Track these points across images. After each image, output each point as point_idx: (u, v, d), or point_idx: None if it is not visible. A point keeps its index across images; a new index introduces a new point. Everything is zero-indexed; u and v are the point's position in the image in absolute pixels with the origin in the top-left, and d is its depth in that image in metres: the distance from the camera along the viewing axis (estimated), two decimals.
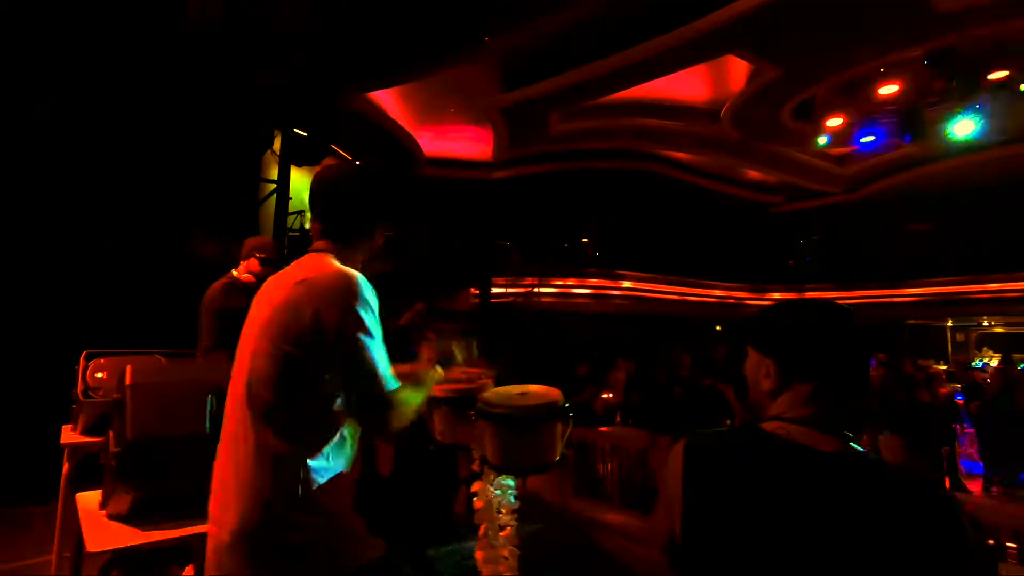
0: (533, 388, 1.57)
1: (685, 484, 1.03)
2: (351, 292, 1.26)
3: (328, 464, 1.26)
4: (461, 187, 11.39)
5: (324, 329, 1.22)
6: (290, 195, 7.54)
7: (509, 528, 1.64)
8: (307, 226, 7.79)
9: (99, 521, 1.77)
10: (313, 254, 1.38)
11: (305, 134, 7.84)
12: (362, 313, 1.25)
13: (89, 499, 1.93)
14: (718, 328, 14.49)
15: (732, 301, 14.47)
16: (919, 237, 13.83)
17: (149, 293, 4.73)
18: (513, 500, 1.66)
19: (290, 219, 7.72)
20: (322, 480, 1.24)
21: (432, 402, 1.60)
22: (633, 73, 7.69)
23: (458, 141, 10.61)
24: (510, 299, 10.96)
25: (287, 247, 7.25)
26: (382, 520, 2.24)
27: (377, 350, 1.25)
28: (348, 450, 1.33)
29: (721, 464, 1.01)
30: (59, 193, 4.58)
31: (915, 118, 8.57)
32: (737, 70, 8.68)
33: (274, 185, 7.37)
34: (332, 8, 6.19)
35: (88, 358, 3.08)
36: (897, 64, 7.90)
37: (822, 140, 9.52)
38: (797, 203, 14.51)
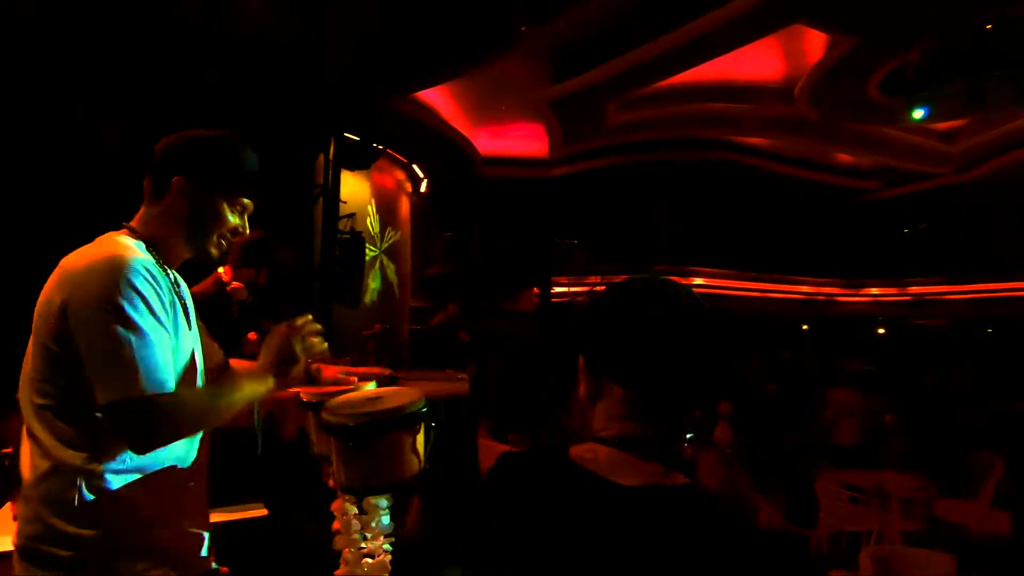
0: (393, 392, 1.36)
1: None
2: (110, 279, 1.07)
3: (125, 471, 1.13)
4: (520, 186, 11.23)
5: (72, 321, 1.06)
6: (343, 199, 7.74)
7: (381, 556, 1.45)
8: (357, 228, 7.94)
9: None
10: (110, 232, 1.20)
11: (357, 138, 8.01)
12: (122, 303, 1.06)
13: None
14: (804, 327, 13.29)
15: (822, 298, 13.22)
16: None
17: None
18: (387, 523, 1.47)
19: (341, 223, 7.91)
20: (114, 489, 1.12)
21: (304, 407, 1.45)
22: (685, 54, 7.16)
23: (514, 139, 10.46)
24: (571, 298, 10.67)
25: (338, 250, 7.43)
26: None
27: (140, 346, 1.05)
28: (164, 454, 1.19)
29: (512, 497, 0.81)
30: (117, 199, 4.90)
31: None
32: (814, 42, 7.83)
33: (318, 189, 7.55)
34: (373, 10, 6.23)
35: None
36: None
37: (918, 114, 8.40)
38: (898, 188, 12.98)
